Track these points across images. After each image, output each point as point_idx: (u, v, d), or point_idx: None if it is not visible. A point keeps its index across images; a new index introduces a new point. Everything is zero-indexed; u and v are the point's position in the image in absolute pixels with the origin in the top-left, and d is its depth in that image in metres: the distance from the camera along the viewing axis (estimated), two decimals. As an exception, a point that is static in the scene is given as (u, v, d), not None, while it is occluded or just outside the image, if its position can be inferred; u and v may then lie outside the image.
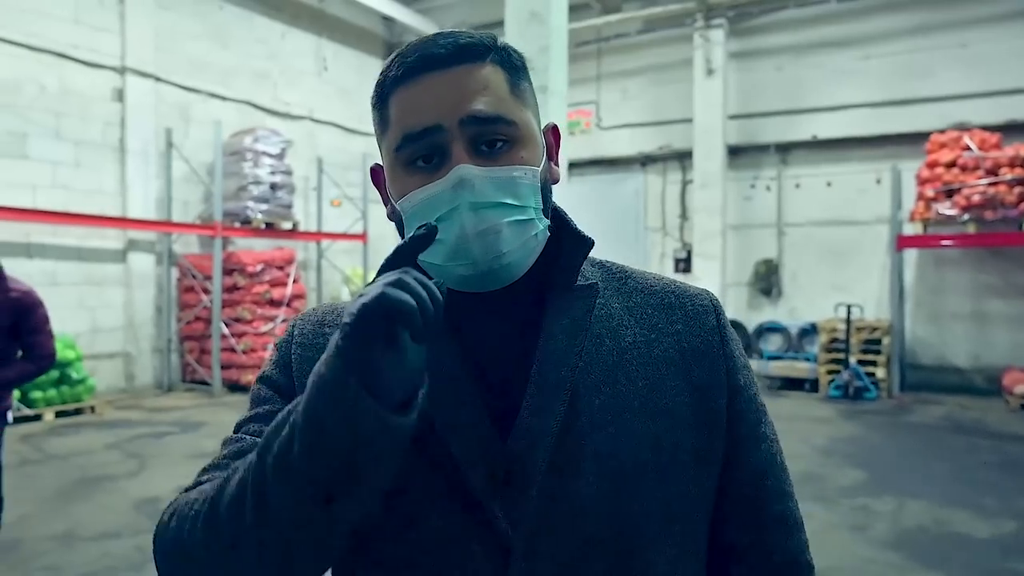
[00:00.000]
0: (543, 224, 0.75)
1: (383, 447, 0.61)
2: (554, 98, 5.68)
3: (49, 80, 7.74)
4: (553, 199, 0.79)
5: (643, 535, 0.73)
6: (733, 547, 0.80)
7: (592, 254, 0.83)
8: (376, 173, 0.83)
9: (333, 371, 0.60)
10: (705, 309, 0.83)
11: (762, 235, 10.02)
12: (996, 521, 4.07)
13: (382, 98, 0.76)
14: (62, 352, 7.09)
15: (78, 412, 7.31)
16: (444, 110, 0.71)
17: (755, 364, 9.59)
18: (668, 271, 10.48)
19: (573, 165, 10.72)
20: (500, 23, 5.91)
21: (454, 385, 0.74)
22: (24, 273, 7.52)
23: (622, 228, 10.96)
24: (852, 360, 8.26)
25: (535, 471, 0.71)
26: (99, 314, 8.19)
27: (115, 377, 8.35)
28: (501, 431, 0.73)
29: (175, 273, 8.89)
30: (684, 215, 10.55)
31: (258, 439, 0.73)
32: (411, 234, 0.68)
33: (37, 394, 7.02)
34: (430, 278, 0.66)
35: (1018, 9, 8.40)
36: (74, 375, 7.31)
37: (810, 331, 9.28)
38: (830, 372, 8.49)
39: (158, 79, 8.65)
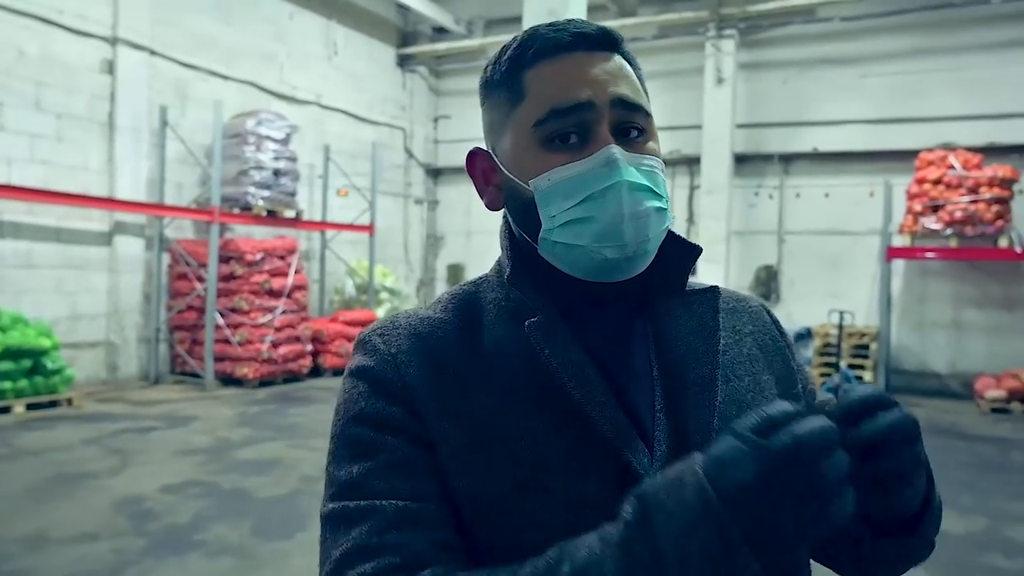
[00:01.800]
0: (671, 217, 0.65)
1: None
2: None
3: (30, 46, 6.05)
4: None
5: None
6: None
7: None
8: (474, 157, 0.68)
9: (721, 545, 0.44)
10: (760, 308, 0.77)
11: (763, 242, 9.02)
12: (971, 518, 3.82)
13: (515, 71, 0.64)
14: (35, 340, 5.54)
15: (53, 404, 5.74)
16: (597, 88, 0.61)
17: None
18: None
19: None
20: (516, 18, 5.04)
21: (607, 386, 0.62)
22: (-9, 254, 5.91)
23: (629, 231, 9.73)
24: (843, 364, 7.72)
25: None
26: (80, 300, 6.53)
27: (96, 367, 6.68)
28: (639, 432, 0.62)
29: (166, 259, 7.20)
30: (691, 219, 9.36)
31: (400, 502, 0.57)
32: None
33: (6, 384, 5.47)
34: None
35: (1007, 38, 7.79)
36: (49, 365, 5.73)
37: (805, 335, 8.54)
38: (822, 375, 7.91)
39: (153, 52, 6.94)
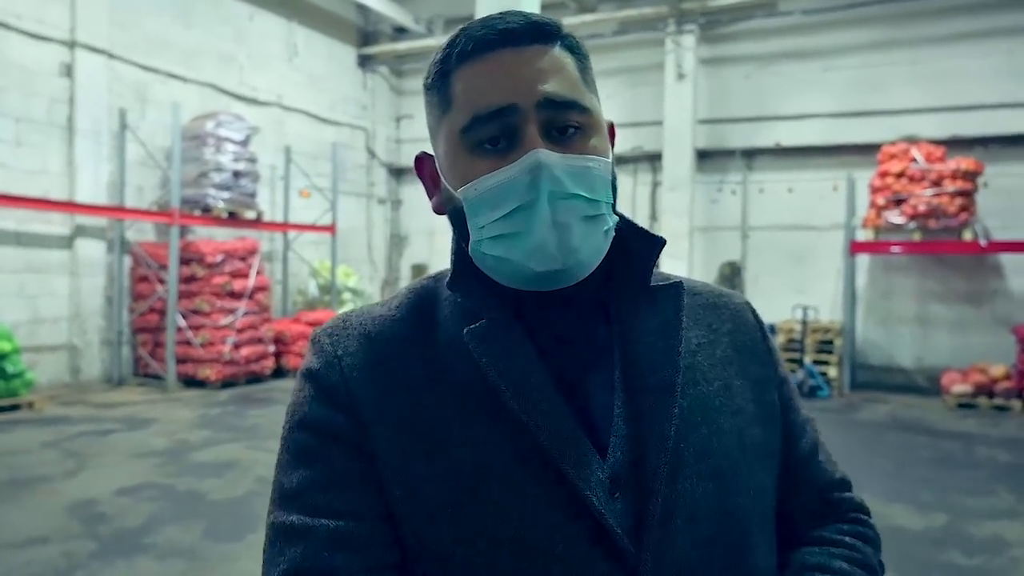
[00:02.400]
0: (612, 221, 0.64)
1: None
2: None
3: (-13, 51, 6.42)
4: None
5: (747, 532, 0.65)
6: (798, 512, 0.74)
7: None
8: (421, 163, 0.69)
9: None
10: (743, 307, 0.77)
11: (727, 238, 9.48)
12: (930, 514, 3.93)
13: (443, 75, 0.64)
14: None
15: (14, 408, 6.12)
16: (520, 89, 0.60)
17: (717, 364, 9.11)
18: (635, 271, 9.90)
19: (545, 163, 9.83)
20: (473, 17, 5.04)
21: (551, 393, 0.61)
22: (-48, 258, 6.29)
23: (592, 227, 10.17)
24: (807, 360, 7.95)
25: (656, 480, 0.60)
26: (41, 303, 6.91)
27: (59, 371, 7.07)
28: (593, 440, 0.62)
29: (128, 261, 7.62)
30: (654, 216, 9.83)
31: (334, 522, 0.59)
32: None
33: None
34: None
35: (967, 30, 8.15)
36: (9, 368, 6.11)
37: (769, 331, 8.80)
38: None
39: (112, 56, 7.34)
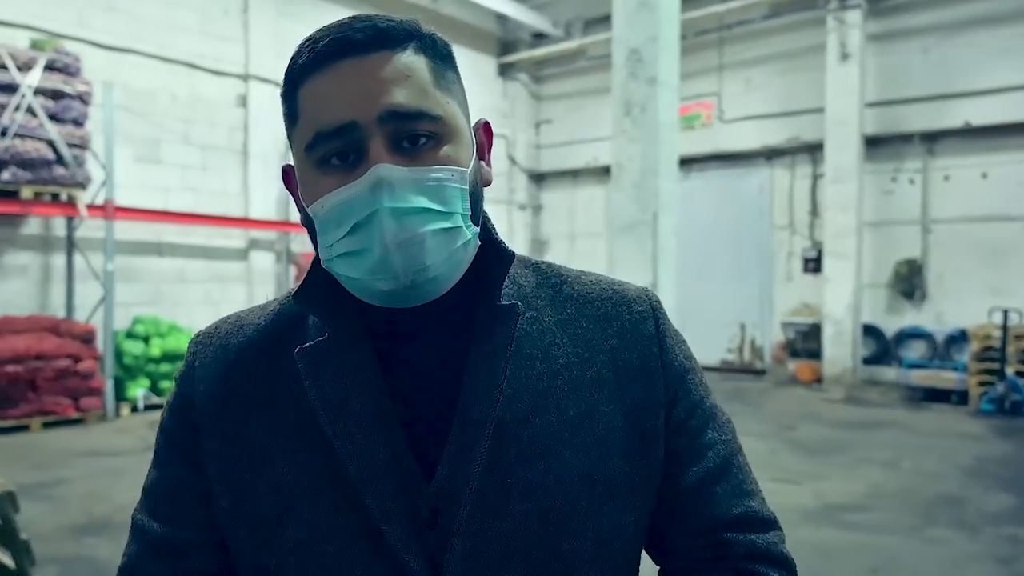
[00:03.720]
0: (472, 232, 0.66)
1: None
2: (664, 90, 5.33)
3: (180, 89, 8.03)
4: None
5: (574, 574, 0.67)
6: (682, 551, 0.73)
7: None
8: (288, 175, 0.72)
9: None
10: (643, 316, 0.74)
11: (904, 232, 9.19)
12: None
13: (291, 87, 0.66)
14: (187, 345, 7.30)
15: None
16: (360, 104, 0.62)
17: (894, 373, 8.84)
18: (796, 272, 9.94)
19: (693, 160, 10.12)
20: (610, 17, 5.67)
21: (375, 420, 0.66)
22: (156, 271, 7.87)
23: (745, 226, 10.18)
24: (1009, 371, 7.50)
25: (458, 514, 0.64)
26: (223, 309, 8.39)
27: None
28: (429, 471, 0.66)
29: (293, 271, 9.03)
30: (814, 212, 9.76)
31: (164, 527, 0.71)
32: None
33: (166, 384, 7.32)
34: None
35: None
36: (199, 368, 7.49)
37: (959, 338, 8.51)
38: (982, 383, 7.75)
39: (278, 84, 8.71)
